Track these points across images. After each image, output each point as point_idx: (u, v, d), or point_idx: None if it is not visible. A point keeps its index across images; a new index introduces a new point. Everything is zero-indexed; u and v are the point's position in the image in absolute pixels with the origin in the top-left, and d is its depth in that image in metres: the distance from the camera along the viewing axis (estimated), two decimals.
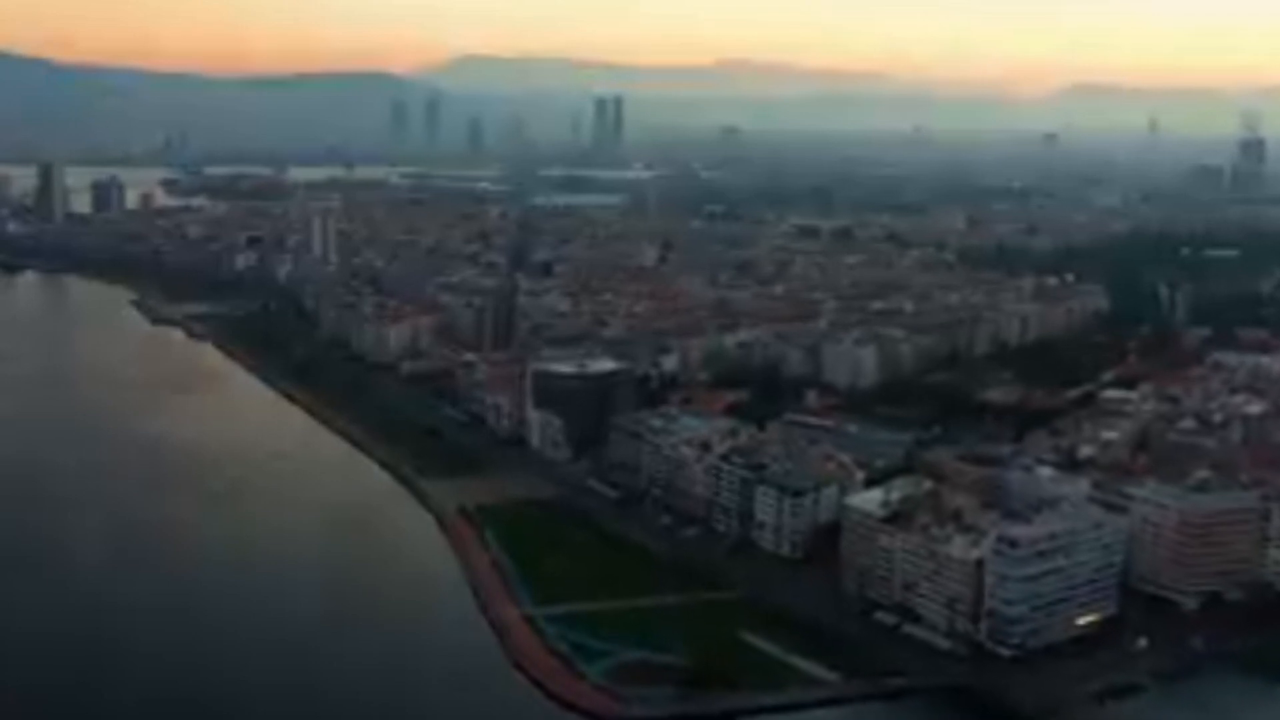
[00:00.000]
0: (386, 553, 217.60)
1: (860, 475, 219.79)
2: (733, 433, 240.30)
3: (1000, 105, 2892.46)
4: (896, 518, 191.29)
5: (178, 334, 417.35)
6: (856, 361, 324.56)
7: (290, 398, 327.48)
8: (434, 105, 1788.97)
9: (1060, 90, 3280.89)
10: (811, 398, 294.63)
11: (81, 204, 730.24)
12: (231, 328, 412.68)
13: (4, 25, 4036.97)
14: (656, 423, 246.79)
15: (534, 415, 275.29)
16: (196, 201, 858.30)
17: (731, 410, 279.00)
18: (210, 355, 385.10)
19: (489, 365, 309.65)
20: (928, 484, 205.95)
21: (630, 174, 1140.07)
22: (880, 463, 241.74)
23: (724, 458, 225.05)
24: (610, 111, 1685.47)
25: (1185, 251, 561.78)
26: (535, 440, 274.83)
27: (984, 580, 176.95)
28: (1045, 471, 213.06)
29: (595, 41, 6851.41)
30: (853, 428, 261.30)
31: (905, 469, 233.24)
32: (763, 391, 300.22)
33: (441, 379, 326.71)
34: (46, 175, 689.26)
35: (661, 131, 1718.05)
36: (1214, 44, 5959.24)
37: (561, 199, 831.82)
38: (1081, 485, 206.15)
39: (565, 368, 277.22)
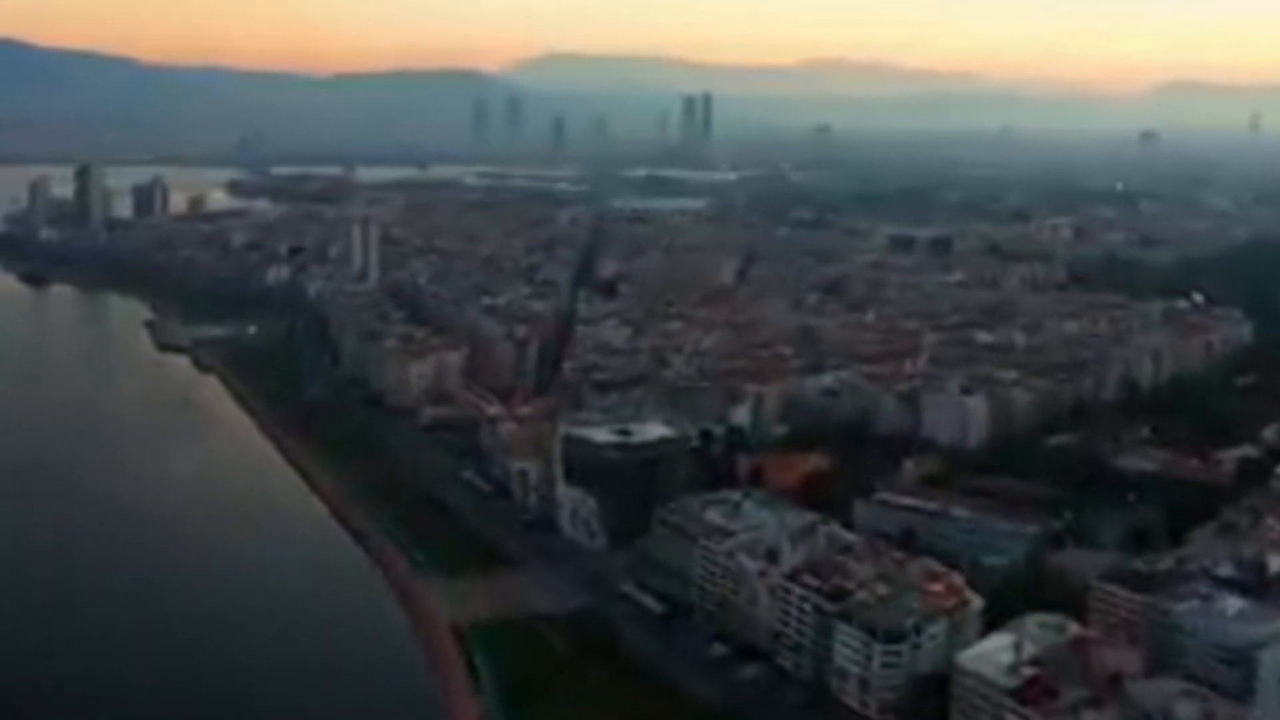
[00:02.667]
0: (344, 695, 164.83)
1: (977, 604, 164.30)
2: (809, 531, 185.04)
3: (1094, 104, 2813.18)
4: (1031, 687, 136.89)
5: (183, 363, 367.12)
6: (963, 415, 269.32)
7: (283, 451, 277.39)
8: (516, 103, 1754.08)
9: (1153, 88, 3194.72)
10: (908, 469, 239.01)
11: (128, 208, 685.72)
12: (243, 357, 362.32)
13: (88, 25, 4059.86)
14: (711, 515, 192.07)
15: (564, 492, 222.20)
16: (258, 204, 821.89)
17: (811, 483, 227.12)
18: (210, 391, 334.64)
19: (515, 422, 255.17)
20: (1073, 628, 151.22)
21: (716, 175, 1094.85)
22: (995, 562, 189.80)
23: (794, 576, 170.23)
24: (699, 110, 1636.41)
25: None
26: (565, 524, 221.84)
27: None
28: (1231, 604, 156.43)
29: (685, 40, 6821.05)
30: (960, 512, 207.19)
31: (1030, 577, 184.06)
32: (850, 453, 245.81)
33: (467, 431, 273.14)
34: (84, 177, 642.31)
35: (751, 130, 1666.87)
36: None
37: (640, 203, 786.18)
38: None
39: (602, 434, 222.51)
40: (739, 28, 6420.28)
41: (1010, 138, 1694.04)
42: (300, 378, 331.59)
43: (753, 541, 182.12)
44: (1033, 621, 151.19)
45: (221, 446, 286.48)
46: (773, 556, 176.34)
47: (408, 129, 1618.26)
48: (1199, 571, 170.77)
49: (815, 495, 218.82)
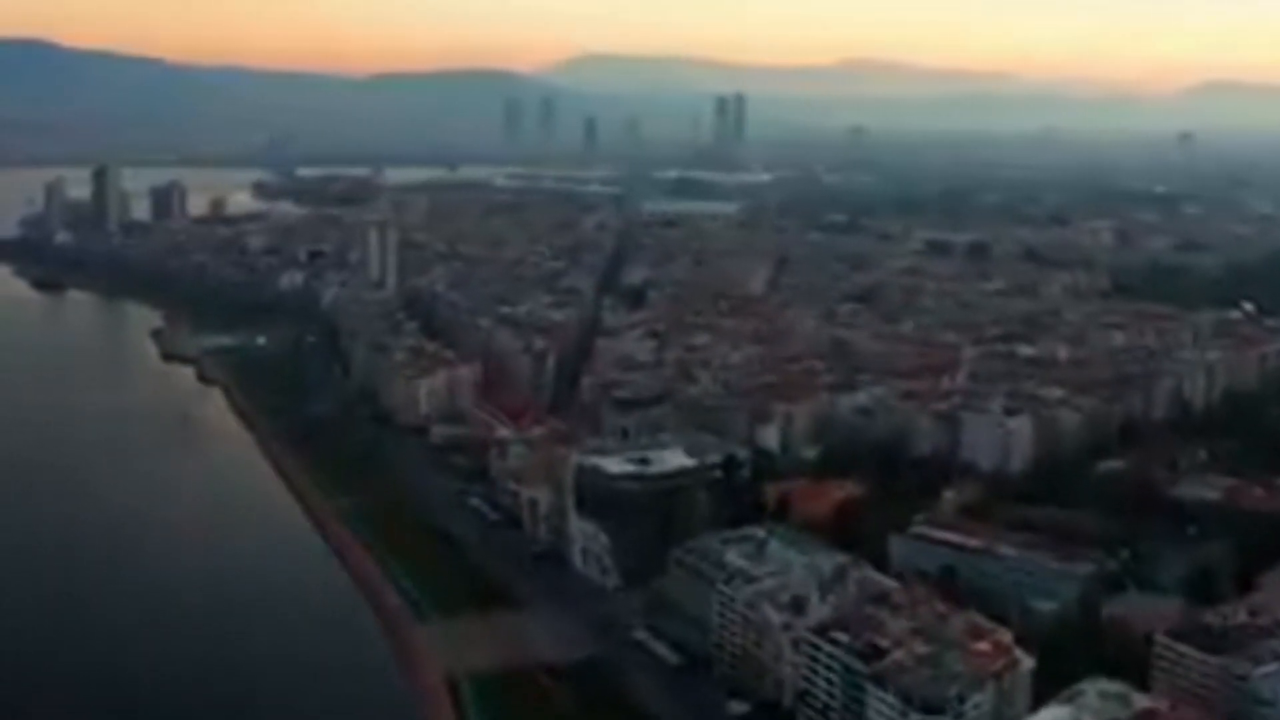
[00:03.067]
0: None
1: (1028, 664, 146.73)
2: (839, 576, 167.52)
3: (1130, 104, 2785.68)
4: None
5: (187, 374, 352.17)
6: (1005, 437, 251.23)
7: (280, 470, 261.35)
8: (549, 104, 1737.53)
9: (1191, 88, 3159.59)
10: (948, 499, 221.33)
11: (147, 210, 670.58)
12: (251, 368, 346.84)
13: (113, 25, 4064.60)
14: (732, 556, 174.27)
15: (576, 525, 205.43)
16: (282, 206, 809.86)
17: (843, 514, 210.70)
18: (212, 405, 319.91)
19: (526, 445, 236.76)
20: (1138, 698, 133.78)
21: (749, 177, 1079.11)
22: (1045, 607, 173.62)
23: (823, 630, 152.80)
24: (731, 111, 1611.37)
25: None
26: (577, 559, 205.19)
27: None
28: None
29: (718, 40, 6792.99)
30: (1006, 550, 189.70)
31: (1085, 627, 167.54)
32: (885, 478, 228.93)
33: (478, 452, 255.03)
34: (101, 180, 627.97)
35: (784, 131, 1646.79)
36: None
37: (672, 206, 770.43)
38: None
39: (617, 464, 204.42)
40: (773, 28, 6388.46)
41: (1051, 138, 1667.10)
42: (308, 392, 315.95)
43: (777, 588, 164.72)
44: (1093, 690, 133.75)
45: (214, 464, 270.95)
46: (799, 607, 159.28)
47: (440, 130, 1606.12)
48: (1275, 626, 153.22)
49: (847, 527, 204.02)
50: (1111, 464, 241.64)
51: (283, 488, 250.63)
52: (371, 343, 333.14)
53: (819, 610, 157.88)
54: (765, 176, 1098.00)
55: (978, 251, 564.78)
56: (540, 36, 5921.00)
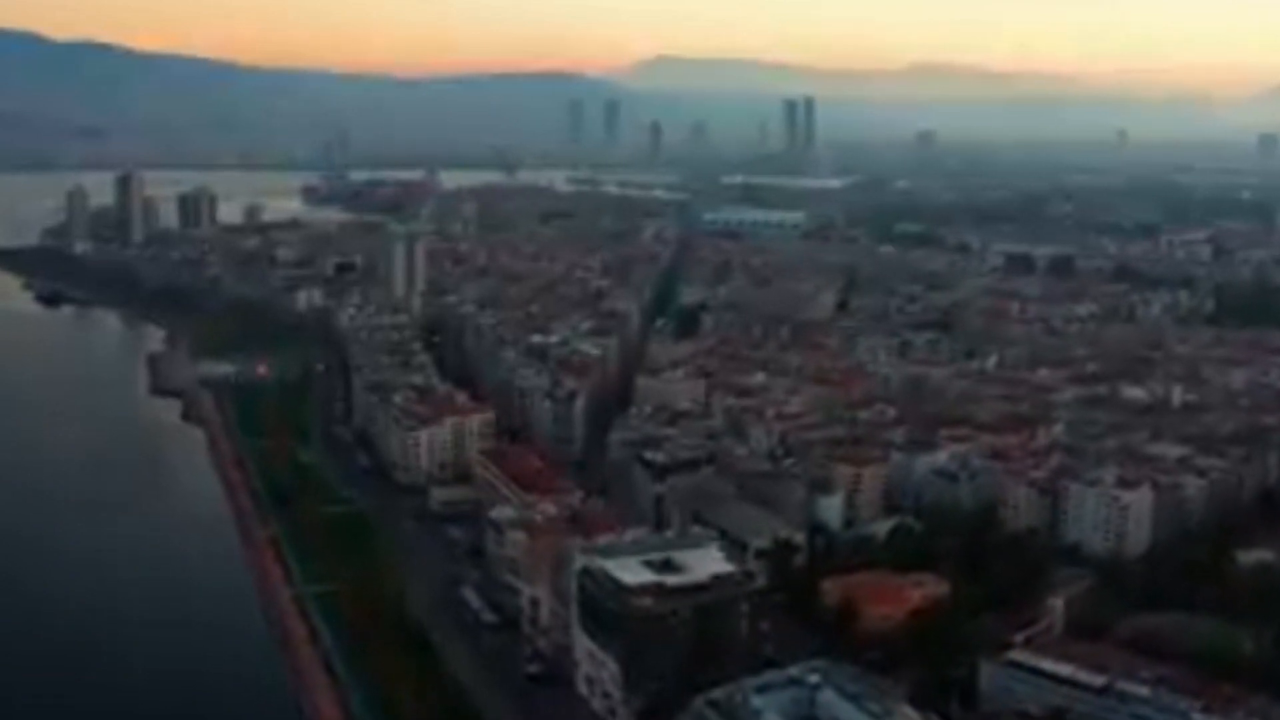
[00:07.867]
0: None
1: None
2: None
3: (1201, 107, 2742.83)
4: None
5: (173, 411, 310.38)
6: (1120, 516, 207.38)
7: (245, 539, 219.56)
8: (613, 106, 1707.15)
9: (1265, 91, 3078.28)
10: (1054, 609, 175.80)
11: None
12: (244, 404, 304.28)
13: (171, 25, 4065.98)
14: (772, 717, 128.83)
15: (580, 641, 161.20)
16: (328, 212, 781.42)
17: (920, 622, 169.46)
18: (191, 454, 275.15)
19: (525, 529, 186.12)
20: None
21: (817, 183, 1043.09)
22: None
23: None
24: (801, 115, 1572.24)
25: None
26: (581, 685, 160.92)
27: None
28: None
29: (788, 44, 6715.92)
30: (1137, 690, 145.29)
31: None
32: (972, 568, 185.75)
33: (481, 525, 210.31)
34: (124, 187, 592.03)
35: (853, 135, 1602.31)
36: None
37: (734, 214, 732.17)
38: None
39: (633, 569, 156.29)
40: (842, 32, 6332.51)
41: (1122, 142, 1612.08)
42: (305, 437, 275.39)
43: None
44: None
45: (163, 531, 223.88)
46: None
47: (501, 132, 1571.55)
48: None
49: (926, 642, 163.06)
50: (1255, 554, 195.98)
51: (243, 570, 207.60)
52: (370, 380, 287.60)
53: None
54: (835, 182, 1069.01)
55: (1062, 267, 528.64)
56: (610, 39, 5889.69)
